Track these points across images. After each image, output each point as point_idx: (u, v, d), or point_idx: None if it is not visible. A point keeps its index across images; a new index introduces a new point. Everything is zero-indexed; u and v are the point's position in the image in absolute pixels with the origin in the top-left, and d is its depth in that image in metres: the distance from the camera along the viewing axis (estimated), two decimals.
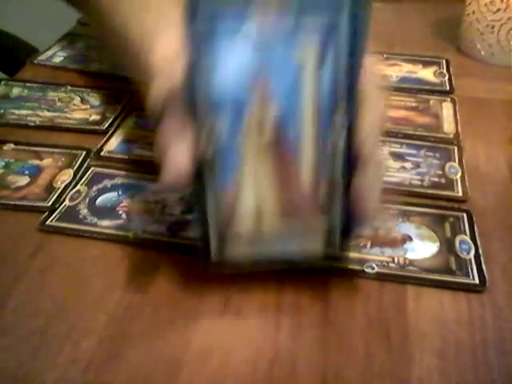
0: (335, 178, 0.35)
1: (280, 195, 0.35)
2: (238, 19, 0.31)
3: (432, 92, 0.62)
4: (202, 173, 0.34)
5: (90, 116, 0.57)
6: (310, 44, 0.32)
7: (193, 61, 0.32)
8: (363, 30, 0.33)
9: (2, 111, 0.58)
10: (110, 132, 0.55)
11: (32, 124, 0.56)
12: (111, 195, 0.47)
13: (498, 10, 0.65)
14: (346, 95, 0.33)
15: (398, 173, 0.50)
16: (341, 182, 0.35)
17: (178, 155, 0.34)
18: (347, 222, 0.36)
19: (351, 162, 0.34)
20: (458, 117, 0.57)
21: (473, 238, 0.43)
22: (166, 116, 0.37)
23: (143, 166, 0.50)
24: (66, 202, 0.46)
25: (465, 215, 0.46)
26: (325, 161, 0.34)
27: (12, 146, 0.53)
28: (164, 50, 0.43)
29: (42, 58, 0.68)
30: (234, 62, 0.32)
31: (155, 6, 0.49)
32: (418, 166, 0.51)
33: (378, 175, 0.37)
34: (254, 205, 0.36)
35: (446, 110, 0.59)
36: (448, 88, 0.63)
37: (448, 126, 0.56)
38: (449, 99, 0.60)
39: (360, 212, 0.35)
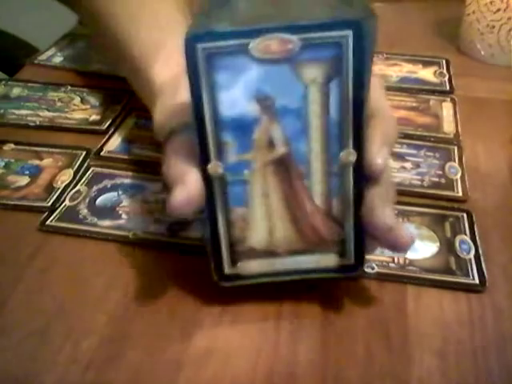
0: (347, 191, 0.35)
1: (290, 209, 0.36)
2: (243, 37, 0.31)
3: (432, 92, 0.62)
4: (212, 189, 0.35)
5: (90, 116, 0.57)
6: (317, 61, 0.32)
7: (198, 79, 0.32)
8: (370, 45, 0.33)
9: (1, 111, 0.58)
10: (110, 132, 0.55)
11: (32, 124, 0.56)
12: (111, 195, 0.47)
13: (498, 10, 0.65)
14: (353, 110, 0.33)
15: (398, 173, 0.50)
16: (352, 194, 0.35)
17: (188, 176, 0.34)
18: (361, 232, 0.36)
19: (363, 175, 0.34)
20: (458, 117, 0.57)
21: (473, 238, 0.43)
22: (173, 136, 0.37)
23: (143, 166, 0.50)
24: (66, 202, 0.46)
25: (465, 215, 0.46)
26: (335, 175, 0.35)
27: (12, 145, 0.53)
28: (165, 67, 0.43)
29: (42, 57, 0.68)
30: (239, 80, 0.32)
31: (149, 7, 0.49)
32: (418, 166, 0.51)
33: (391, 185, 0.37)
34: (266, 219, 0.36)
35: (446, 109, 0.59)
36: (448, 88, 0.63)
37: (448, 126, 0.56)
38: (449, 99, 0.60)
39: (374, 224, 0.35)
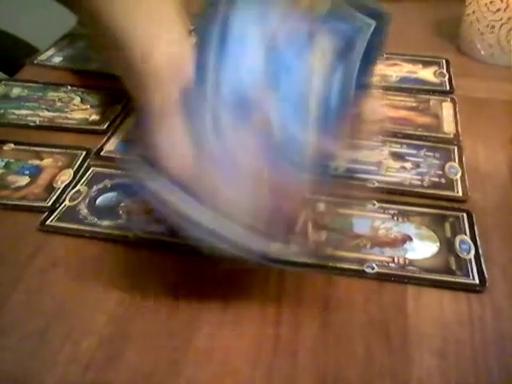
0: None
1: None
2: (253, 20, 0.32)
3: (432, 92, 0.62)
4: None
5: (90, 116, 0.57)
6: (323, 48, 0.32)
7: (203, 58, 0.32)
8: (378, 43, 0.33)
9: (2, 111, 0.58)
10: (110, 132, 0.55)
11: (32, 124, 0.56)
12: (111, 195, 0.47)
13: (498, 10, 0.65)
14: (354, 98, 0.33)
15: (398, 173, 0.50)
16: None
17: (178, 148, 0.34)
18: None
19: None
20: (458, 117, 0.57)
21: (473, 238, 0.43)
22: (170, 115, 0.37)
23: None
24: (66, 202, 0.46)
25: (465, 215, 0.46)
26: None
27: (12, 146, 0.53)
28: (161, 59, 0.43)
29: (42, 57, 0.68)
30: (245, 60, 0.33)
31: (146, 5, 0.49)
32: (418, 166, 0.51)
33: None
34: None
35: (446, 110, 0.59)
36: (448, 88, 0.62)
37: (448, 126, 0.56)
38: (449, 99, 0.60)
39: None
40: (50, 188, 0.48)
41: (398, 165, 0.51)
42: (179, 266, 0.41)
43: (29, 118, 0.57)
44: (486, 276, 0.40)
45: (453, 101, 0.60)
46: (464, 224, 0.45)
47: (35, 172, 0.50)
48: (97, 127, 0.56)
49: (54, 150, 0.52)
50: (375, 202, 0.46)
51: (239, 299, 0.39)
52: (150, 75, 0.43)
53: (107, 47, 0.54)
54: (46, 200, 0.47)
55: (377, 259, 0.41)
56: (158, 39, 0.45)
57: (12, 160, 0.51)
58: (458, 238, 0.44)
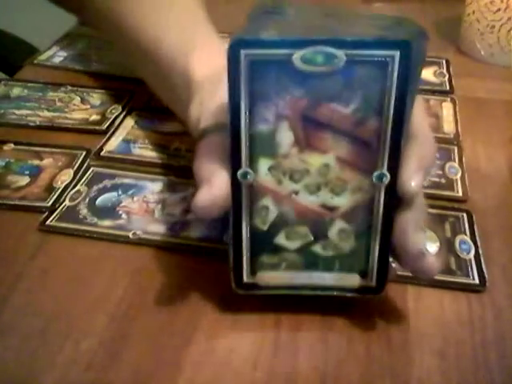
0: (376, 211, 0.34)
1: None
2: (288, 47, 0.31)
3: (432, 92, 0.62)
4: (240, 195, 0.34)
5: (90, 116, 0.57)
6: (360, 78, 0.32)
7: (238, 85, 0.32)
8: (416, 67, 0.32)
9: (2, 111, 0.58)
10: (110, 132, 0.55)
11: (32, 124, 0.56)
12: (111, 195, 0.47)
13: (498, 9, 0.65)
14: (392, 131, 0.32)
15: None
16: (382, 216, 0.34)
17: (215, 178, 0.34)
18: (386, 256, 0.35)
19: (395, 198, 0.34)
20: (458, 117, 0.57)
21: (473, 238, 0.43)
22: (207, 134, 0.37)
23: (143, 166, 0.50)
24: (66, 202, 0.46)
25: (465, 215, 0.46)
26: (365, 200, 0.34)
27: (12, 145, 0.53)
28: (203, 63, 0.42)
29: (41, 57, 0.68)
30: (280, 91, 0.32)
31: (168, 5, 0.49)
32: None
33: (423, 210, 0.36)
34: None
35: (446, 109, 0.59)
36: (448, 88, 0.63)
37: (448, 126, 0.56)
38: (449, 99, 0.60)
39: (406, 248, 0.34)
40: (50, 188, 0.48)
41: None
42: (179, 265, 0.41)
43: (29, 118, 0.57)
44: (486, 276, 0.40)
45: (453, 101, 0.60)
46: (464, 224, 0.45)
47: (35, 172, 0.50)
48: (97, 127, 0.56)
49: (54, 149, 0.52)
50: None
51: (239, 299, 0.38)
52: (192, 77, 0.42)
53: (126, 47, 0.53)
54: (46, 200, 0.47)
55: None
56: (199, 43, 0.44)
57: (12, 160, 0.51)
58: (458, 238, 0.44)
